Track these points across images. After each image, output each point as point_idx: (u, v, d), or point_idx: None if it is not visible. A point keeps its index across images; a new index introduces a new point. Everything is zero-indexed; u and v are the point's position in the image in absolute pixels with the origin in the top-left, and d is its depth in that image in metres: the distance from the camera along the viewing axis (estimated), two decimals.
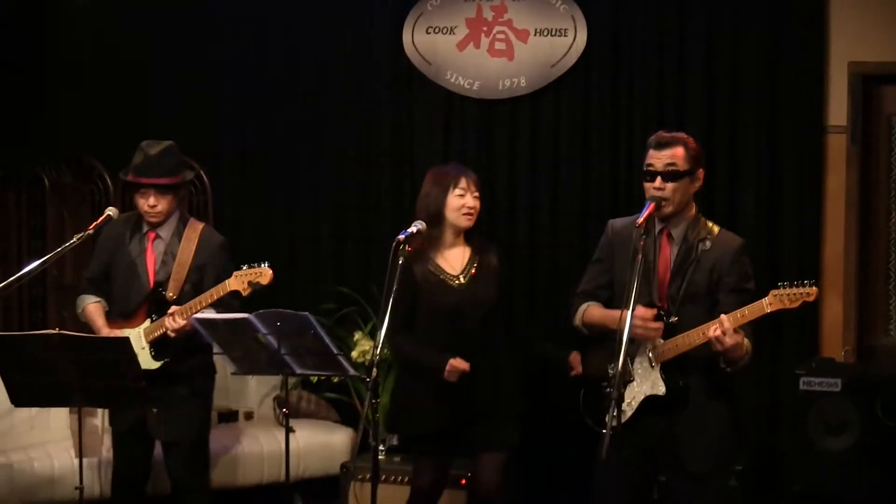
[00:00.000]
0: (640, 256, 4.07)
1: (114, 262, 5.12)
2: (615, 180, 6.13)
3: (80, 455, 4.72)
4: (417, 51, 6.44)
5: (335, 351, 4.62)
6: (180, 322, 4.82)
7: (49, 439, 5.87)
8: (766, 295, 4.02)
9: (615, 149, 6.11)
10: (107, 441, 5.33)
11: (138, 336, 4.94)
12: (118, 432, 5.13)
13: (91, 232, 4.95)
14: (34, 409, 5.84)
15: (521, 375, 5.20)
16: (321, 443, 6.19)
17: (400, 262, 4.37)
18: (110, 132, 6.77)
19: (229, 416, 6.35)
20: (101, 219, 5.01)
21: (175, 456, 5.09)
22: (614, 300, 4.47)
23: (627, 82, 6.15)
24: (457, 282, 4.90)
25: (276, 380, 6.35)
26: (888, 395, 5.29)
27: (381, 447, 5.87)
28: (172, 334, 4.85)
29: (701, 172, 4.38)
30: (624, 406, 4.06)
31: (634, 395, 4.28)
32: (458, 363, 4.71)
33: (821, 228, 5.96)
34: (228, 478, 5.92)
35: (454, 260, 4.93)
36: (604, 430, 3.78)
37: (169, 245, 5.05)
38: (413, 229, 4.55)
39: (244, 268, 4.74)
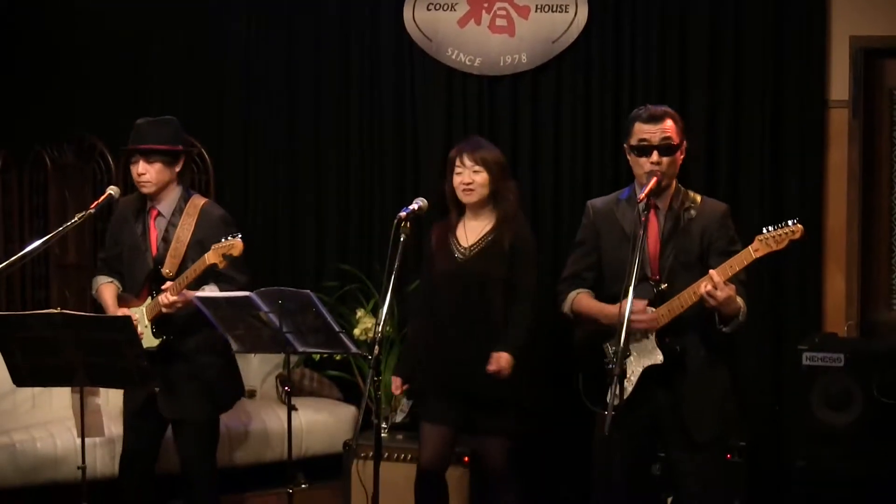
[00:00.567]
0: (641, 232, 4.09)
1: (122, 242, 5.14)
2: (617, 155, 6.10)
3: (83, 434, 4.71)
4: (418, 28, 6.41)
5: (337, 329, 4.61)
6: (171, 298, 4.82)
7: (51, 419, 5.89)
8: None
9: (617, 124, 6.08)
10: (108, 421, 5.33)
11: (142, 314, 4.96)
12: (130, 410, 5.15)
13: (93, 211, 4.96)
14: (36, 389, 5.87)
15: (540, 367, 5.16)
16: (324, 421, 6.21)
17: (402, 239, 4.38)
18: (112, 112, 6.75)
19: None
20: (102, 198, 5.03)
21: (183, 435, 5.10)
22: (604, 282, 4.51)
23: (629, 57, 6.12)
24: (461, 254, 4.98)
25: (278, 358, 6.37)
26: (883, 374, 5.27)
27: (383, 425, 5.89)
28: (165, 311, 4.86)
29: (685, 144, 4.43)
30: (625, 382, 4.06)
31: (633, 370, 4.30)
32: None
33: (823, 203, 5.92)
34: (231, 456, 5.94)
35: (471, 232, 5.04)
36: (604, 411, 3.79)
37: (170, 222, 5.04)
38: (414, 206, 4.59)
39: (223, 241, 4.74)
